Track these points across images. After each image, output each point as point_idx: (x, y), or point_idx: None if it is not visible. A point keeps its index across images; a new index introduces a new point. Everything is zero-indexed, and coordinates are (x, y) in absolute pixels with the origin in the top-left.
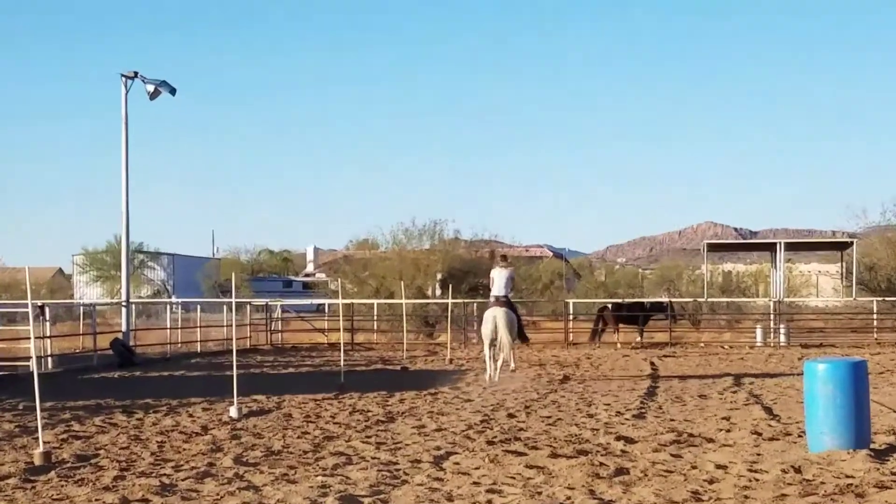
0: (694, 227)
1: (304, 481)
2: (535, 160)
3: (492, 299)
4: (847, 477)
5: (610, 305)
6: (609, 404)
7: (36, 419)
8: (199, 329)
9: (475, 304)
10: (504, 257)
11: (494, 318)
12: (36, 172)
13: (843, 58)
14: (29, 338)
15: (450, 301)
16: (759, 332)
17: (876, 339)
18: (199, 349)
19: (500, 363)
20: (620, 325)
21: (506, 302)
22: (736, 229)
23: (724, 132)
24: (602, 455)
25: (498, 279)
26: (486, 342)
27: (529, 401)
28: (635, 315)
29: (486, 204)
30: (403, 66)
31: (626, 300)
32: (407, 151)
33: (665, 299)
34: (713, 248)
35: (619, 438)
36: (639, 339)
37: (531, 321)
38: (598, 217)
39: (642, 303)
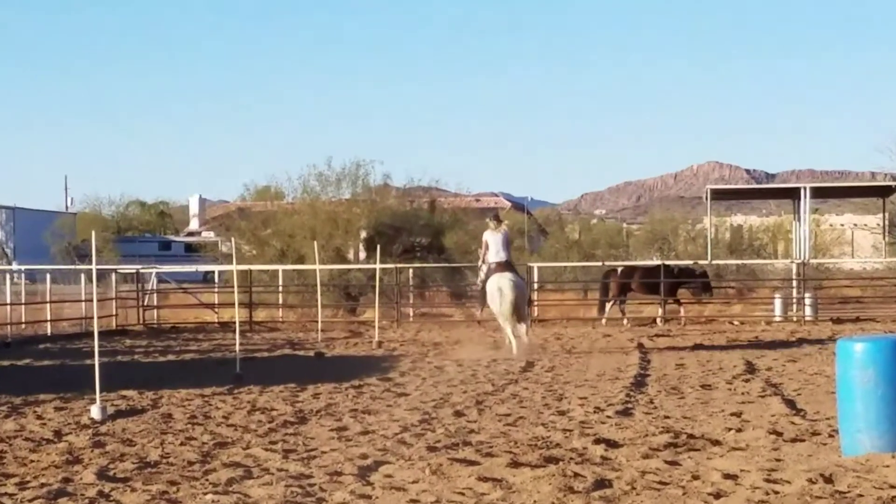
0: (694, 169)
1: (189, 501)
2: (486, 84)
3: (491, 265)
4: (891, 487)
5: (619, 269)
6: (585, 398)
7: None
8: (48, 305)
9: (410, 271)
10: (497, 217)
11: (500, 289)
12: None
13: None
14: None
15: (377, 266)
16: (778, 303)
17: None
18: (49, 331)
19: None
20: (639, 295)
21: (508, 265)
22: (748, 171)
23: (731, 46)
24: (577, 463)
25: (493, 242)
26: (502, 319)
27: (482, 394)
28: (656, 282)
29: (423, 141)
30: None
31: (644, 262)
32: (318, 75)
33: (693, 264)
34: (719, 195)
35: (598, 441)
36: (660, 315)
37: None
38: (569, 158)
39: (668, 266)
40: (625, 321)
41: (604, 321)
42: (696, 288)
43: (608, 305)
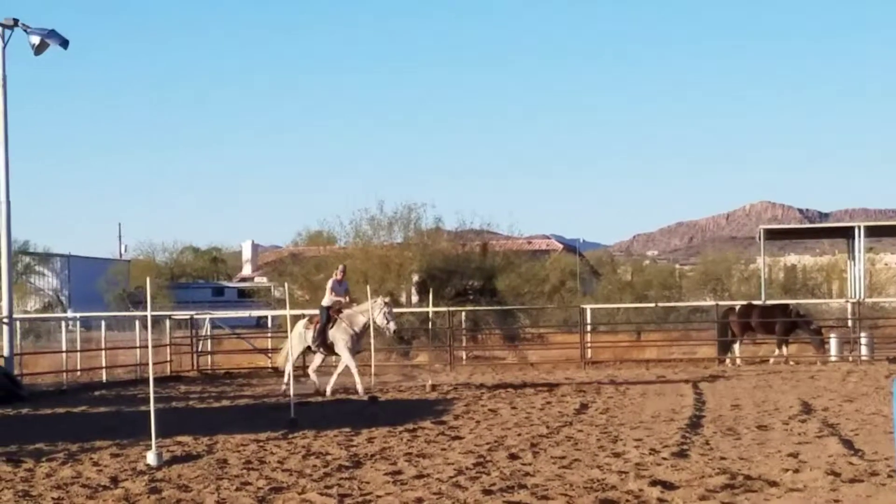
0: (746, 209)
1: None
2: (538, 128)
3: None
4: None
5: (737, 307)
6: (641, 440)
7: None
8: (104, 352)
9: (463, 314)
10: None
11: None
12: None
13: None
14: None
15: (430, 309)
16: (833, 342)
17: None
18: (104, 378)
19: None
20: (757, 335)
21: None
22: (801, 211)
23: (782, 87)
24: None
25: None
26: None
27: (537, 437)
28: (772, 322)
29: (475, 184)
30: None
31: (760, 302)
32: (371, 119)
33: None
34: (772, 235)
35: (654, 483)
36: (781, 353)
37: (537, 333)
38: (621, 199)
39: (786, 306)
40: (737, 360)
41: (729, 362)
42: (813, 331)
43: (736, 345)
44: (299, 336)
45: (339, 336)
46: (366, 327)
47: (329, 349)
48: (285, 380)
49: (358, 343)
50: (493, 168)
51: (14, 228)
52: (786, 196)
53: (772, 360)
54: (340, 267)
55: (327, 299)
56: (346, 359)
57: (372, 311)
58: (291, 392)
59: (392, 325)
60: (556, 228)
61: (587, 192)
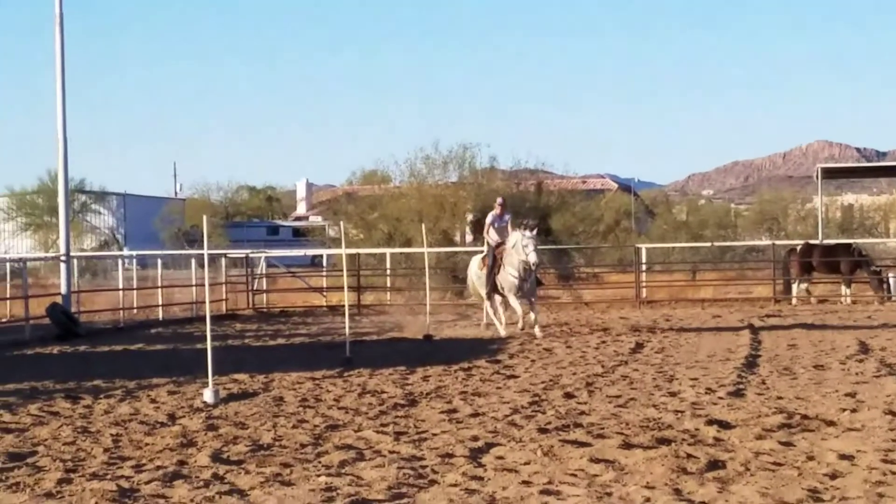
0: (803, 149)
1: (302, 483)
2: (591, 66)
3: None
4: None
5: (798, 247)
6: (696, 379)
7: None
8: (160, 290)
9: None
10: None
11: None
12: None
13: None
14: None
15: (485, 249)
16: (892, 282)
17: None
18: (160, 316)
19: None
20: (818, 275)
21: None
22: (858, 150)
23: (839, 23)
24: (689, 444)
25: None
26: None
27: (592, 376)
28: (834, 262)
29: (530, 124)
30: None
31: (823, 241)
32: (425, 58)
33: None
34: (829, 174)
35: (710, 423)
36: (846, 293)
37: (591, 272)
38: (676, 138)
39: (849, 245)
40: (812, 301)
41: (793, 301)
42: (872, 271)
43: (794, 285)
44: (478, 277)
45: (505, 283)
46: (525, 267)
47: (500, 292)
48: (485, 319)
49: (523, 286)
50: (548, 107)
51: (70, 167)
52: (843, 135)
53: (843, 300)
54: (499, 200)
55: (491, 237)
56: (512, 303)
57: (520, 247)
58: (347, 330)
59: (533, 258)
60: (610, 168)
61: (642, 131)
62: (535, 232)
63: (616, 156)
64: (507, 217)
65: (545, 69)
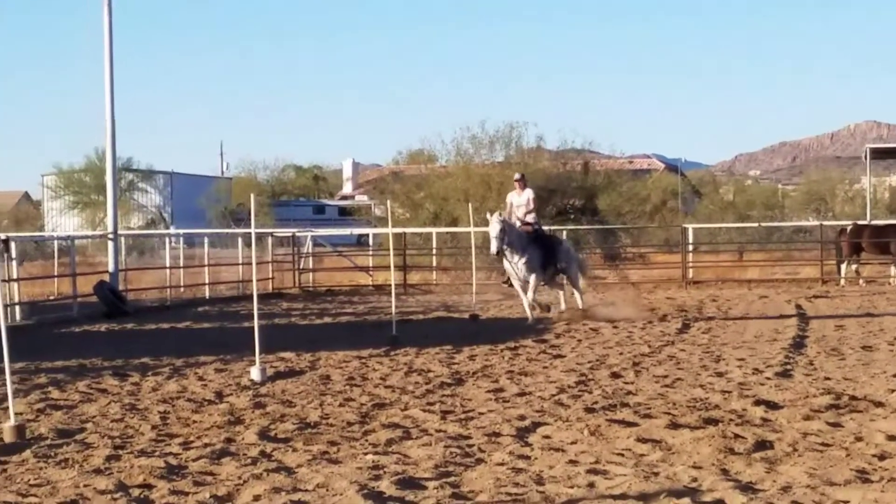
0: (850, 129)
1: (349, 461)
2: (639, 45)
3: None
4: None
5: (848, 228)
6: (744, 359)
7: (4, 384)
8: (206, 269)
9: (563, 233)
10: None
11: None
12: None
13: None
14: None
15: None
16: None
17: None
18: (207, 294)
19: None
20: (867, 256)
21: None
22: None
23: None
24: (737, 424)
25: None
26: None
27: (638, 356)
28: (884, 242)
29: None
30: None
31: (872, 222)
32: (470, 36)
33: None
34: (878, 154)
35: (758, 403)
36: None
37: (638, 252)
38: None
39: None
40: (861, 282)
41: (841, 282)
42: None
43: (843, 266)
44: None
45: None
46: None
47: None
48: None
49: (516, 272)
50: (595, 87)
51: (118, 145)
52: (891, 115)
53: (891, 281)
54: (516, 175)
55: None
56: (515, 287)
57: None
58: (394, 310)
59: (492, 246)
60: (657, 148)
61: (689, 111)
62: (502, 215)
63: (663, 136)
64: (527, 194)
65: (593, 48)
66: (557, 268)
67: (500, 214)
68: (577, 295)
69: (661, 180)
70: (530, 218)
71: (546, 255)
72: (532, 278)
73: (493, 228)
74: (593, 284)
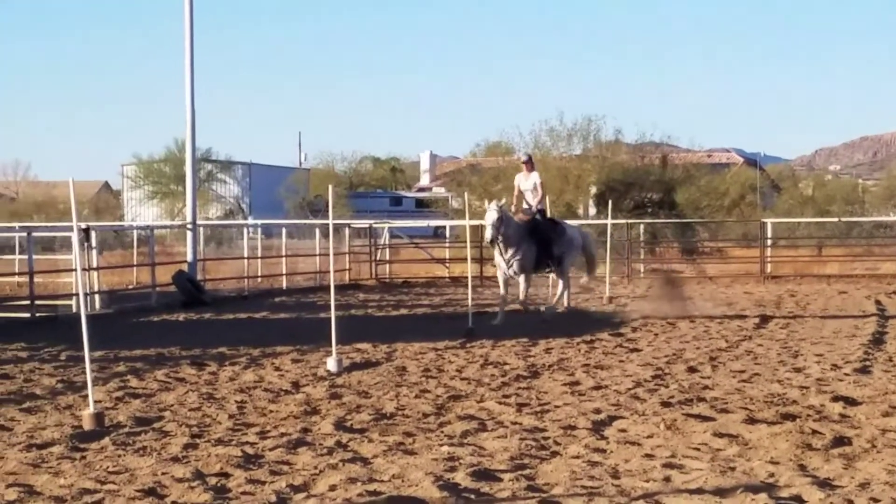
0: None
1: (425, 452)
2: (718, 38)
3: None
4: None
5: None
6: (822, 355)
7: (84, 372)
8: (284, 259)
9: (641, 226)
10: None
11: None
12: (74, 64)
13: None
14: (71, 270)
15: (609, 222)
16: None
17: None
18: (284, 285)
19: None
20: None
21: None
22: None
23: None
24: (814, 420)
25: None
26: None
27: (716, 350)
28: None
29: (655, 96)
30: None
31: None
32: (551, 30)
33: None
34: None
35: (836, 399)
36: None
37: (716, 247)
38: (803, 112)
39: None
40: None
41: None
42: None
43: None
44: None
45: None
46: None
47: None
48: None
49: (508, 263)
50: (673, 80)
51: (198, 136)
52: None
53: None
54: (523, 157)
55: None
56: (498, 277)
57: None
58: (470, 302)
59: (487, 234)
60: (736, 142)
61: (769, 105)
62: (502, 203)
63: (742, 130)
64: (533, 178)
65: (671, 42)
66: (553, 259)
67: (500, 202)
68: (560, 287)
69: (739, 174)
70: (537, 205)
71: (542, 251)
72: (522, 280)
73: (490, 216)
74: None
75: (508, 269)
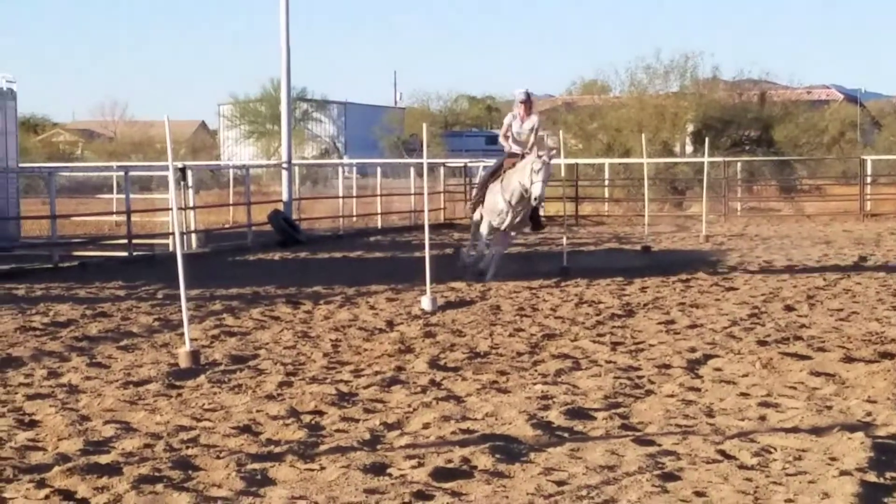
0: None
1: (518, 391)
2: None
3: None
4: None
5: None
6: None
7: (180, 311)
8: (379, 198)
9: (738, 165)
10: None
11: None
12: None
13: None
14: (167, 209)
15: (706, 160)
16: None
17: None
18: (379, 224)
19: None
20: None
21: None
22: None
23: None
24: None
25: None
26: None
27: (813, 289)
28: None
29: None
30: None
31: None
32: None
33: None
34: None
35: None
36: None
37: (814, 185)
38: None
39: None
40: None
41: None
42: None
43: None
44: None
45: (488, 206)
46: (522, 197)
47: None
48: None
49: (509, 220)
50: (772, 15)
51: (293, 75)
52: None
53: None
54: (520, 97)
55: (510, 146)
56: (481, 231)
57: (528, 171)
58: (565, 241)
59: (537, 190)
60: (836, 78)
61: (870, 39)
62: (552, 157)
63: (843, 66)
64: (534, 120)
65: None
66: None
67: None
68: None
69: (839, 111)
70: (547, 155)
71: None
72: (509, 238)
73: (547, 172)
74: (768, 216)
75: (509, 222)
